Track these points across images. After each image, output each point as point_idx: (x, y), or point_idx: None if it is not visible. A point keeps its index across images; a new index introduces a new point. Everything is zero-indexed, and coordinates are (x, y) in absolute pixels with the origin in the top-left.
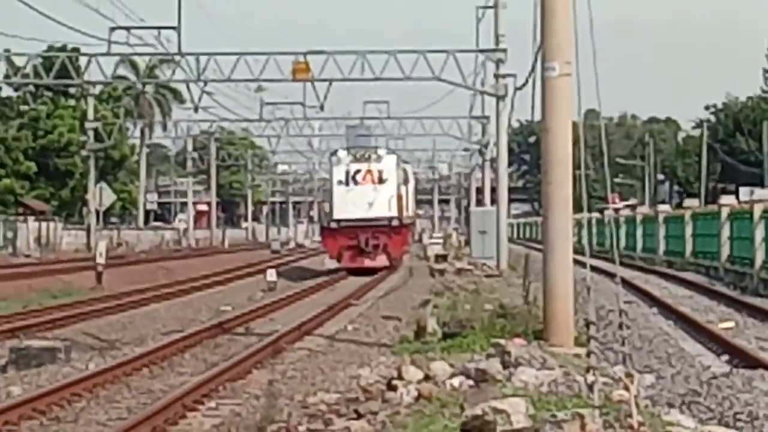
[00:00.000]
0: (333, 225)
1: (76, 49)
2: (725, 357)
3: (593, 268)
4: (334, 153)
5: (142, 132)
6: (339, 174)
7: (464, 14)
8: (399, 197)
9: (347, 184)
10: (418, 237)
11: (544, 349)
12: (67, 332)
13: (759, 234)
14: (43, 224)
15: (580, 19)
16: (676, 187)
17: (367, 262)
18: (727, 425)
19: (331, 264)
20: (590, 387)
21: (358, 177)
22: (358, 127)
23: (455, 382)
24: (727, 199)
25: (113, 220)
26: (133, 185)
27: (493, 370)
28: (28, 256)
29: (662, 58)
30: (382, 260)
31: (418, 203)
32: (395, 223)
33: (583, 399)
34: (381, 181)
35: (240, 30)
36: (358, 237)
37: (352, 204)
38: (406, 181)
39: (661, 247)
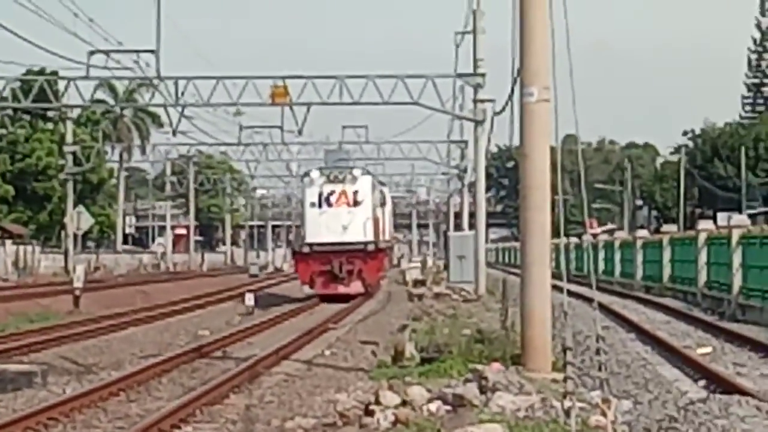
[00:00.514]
0: (305, 249)
1: (54, 73)
2: (702, 382)
3: (571, 293)
4: (307, 174)
5: (121, 156)
6: (312, 196)
7: (443, 39)
8: (375, 220)
9: (320, 206)
10: (396, 261)
11: (521, 374)
12: (44, 356)
13: (736, 260)
14: (21, 248)
15: (559, 44)
16: (654, 212)
17: (341, 289)
18: None
19: (309, 290)
20: (567, 412)
21: (332, 198)
22: (337, 152)
23: (432, 407)
24: (705, 225)
25: (91, 243)
26: (111, 209)
27: (470, 395)
28: (5, 279)
29: (641, 83)
30: (356, 287)
31: (397, 227)
32: (371, 247)
33: (560, 424)
34: (356, 203)
35: (218, 54)
36: (332, 262)
37: (325, 227)
38: (382, 204)
39: (639, 273)
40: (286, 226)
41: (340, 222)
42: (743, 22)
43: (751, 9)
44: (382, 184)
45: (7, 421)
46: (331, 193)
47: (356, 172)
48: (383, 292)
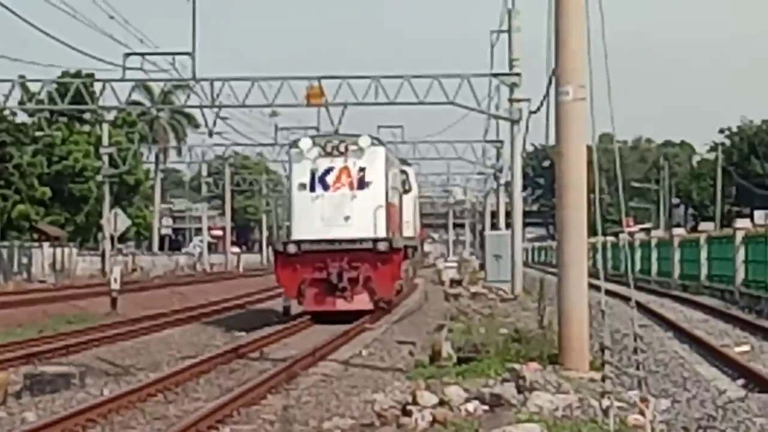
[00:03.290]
0: (291, 249)
1: (90, 75)
2: (741, 381)
3: (608, 292)
4: (295, 143)
5: (157, 157)
6: (301, 174)
7: (478, 39)
8: (390, 208)
9: (312, 188)
10: (431, 261)
11: (559, 374)
12: (82, 358)
13: None
14: (58, 250)
15: (594, 42)
16: (690, 211)
17: (341, 305)
18: None
19: (297, 306)
20: (605, 412)
21: (329, 178)
22: None
23: (470, 407)
24: (742, 223)
25: (127, 245)
26: (147, 210)
27: (507, 395)
28: (43, 281)
29: (677, 80)
30: (362, 301)
31: (433, 227)
32: (383, 246)
33: (599, 424)
34: (363, 184)
35: (254, 55)
36: (328, 267)
37: (319, 218)
38: (405, 188)
39: (676, 271)
40: None
41: (341, 211)
42: None
43: None
44: (406, 163)
45: (45, 423)
46: (328, 170)
47: (363, 140)
48: (419, 291)
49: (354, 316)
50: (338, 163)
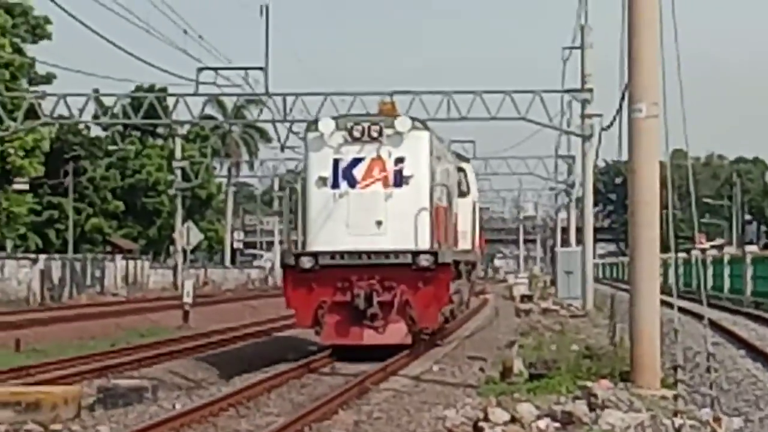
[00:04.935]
0: (306, 263)
1: (164, 89)
2: None
3: (680, 309)
4: (313, 124)
5: (229, 171)
6: (319, 165)
7: (550, 55)
8: (437, 211)
9: (335, 184)
10: (502, 276)
11: (630, 391)
12: (154, 371)
13: None
14: (131, 263)
15: (668, 59)
16: (763, 228)
17: (369, 337)
18: None
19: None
20: (678, 430)
21: (357, 171)
22: None
23: (542, 424)
24: None
25: (195, 257)
26: (219, 224)
27: (579, 413)
28: (115, 294)
29: (750, 96)
30: (396, 333)
31: (501, 242)
32: (425, 261)
33: None
34: (401, 180)
35: (326, 70)
36: (353, 287)
37: (342, 224)
38: (461, 190)
39: (749, 288)
40: None
41: (372, 215)
42: None
43: None
44: (464, 159)
45: None
46: (356, 161)
47: (401, 123)
48: (490, 307)
49: (386, 351)
50: (369, 151)
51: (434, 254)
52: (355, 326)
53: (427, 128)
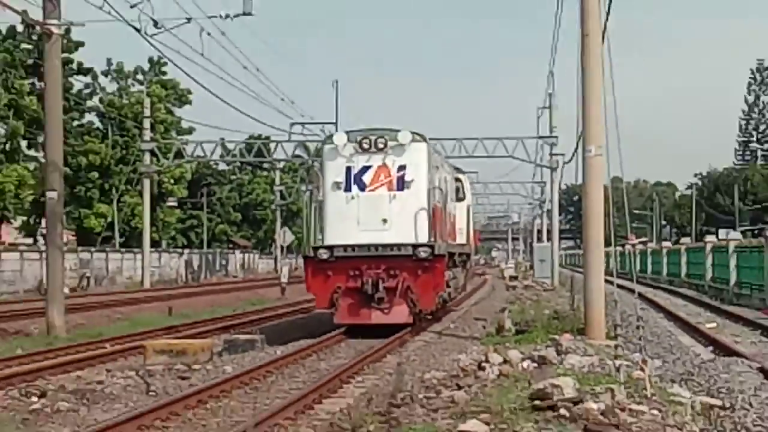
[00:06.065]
0: (323, 254)
1: (267, 137)
2: (710, 348)
3: (618, 286)
4: (329, 138)
5: (311, 192)
6: (334, 172)
7: (529, 112)
8: (435, 212)
9: (348, 188)
10: (497, 264)
11: (585, 342)
12: (262, 329)
13: (732, 262)
14: (246, 255)
15: (609, 116)
16: (674, 230)
17: (376, 317)
18: (712, 396)
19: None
20: (617, 369)
21: (366, 177)
22: None
23: (524, 364)
24: (710, 238)
25: (292, 251)
26: None
27: (550, 356)
28: (235, 276)
29: (664, 133)
30: (400, 314)
31: (497, 239)
32: (424, 253)
33: (613, 377)
34: (403, 184)
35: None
36: (363, 275)
37: (354, 221)
38: (458, 195)
39: (665, 270)
40: None
41: (378, 213)
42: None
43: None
44: (461, 171)
45: (238, 373)
46: (365, 168)
47: (403, 136)
48: (489, 285)
49: (393, 329)
50: (376, 160)
51: (431, 247)
52: (365, 308)
53: (425, 140)
